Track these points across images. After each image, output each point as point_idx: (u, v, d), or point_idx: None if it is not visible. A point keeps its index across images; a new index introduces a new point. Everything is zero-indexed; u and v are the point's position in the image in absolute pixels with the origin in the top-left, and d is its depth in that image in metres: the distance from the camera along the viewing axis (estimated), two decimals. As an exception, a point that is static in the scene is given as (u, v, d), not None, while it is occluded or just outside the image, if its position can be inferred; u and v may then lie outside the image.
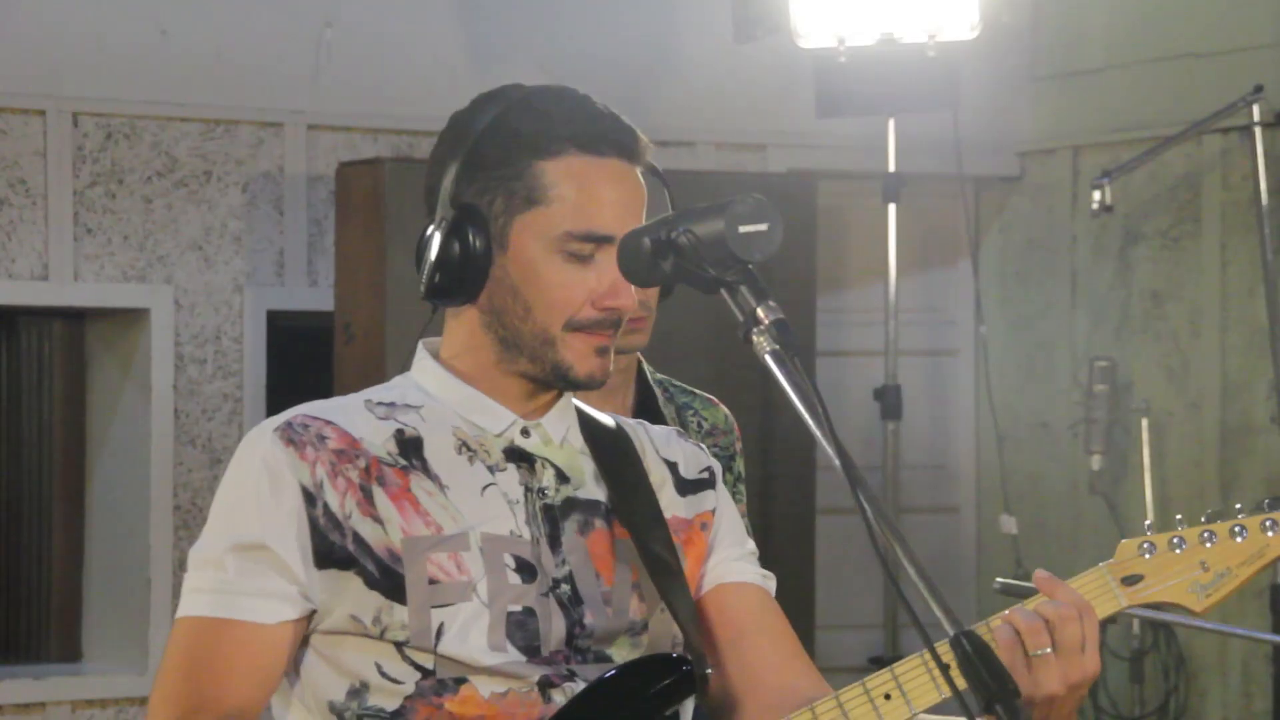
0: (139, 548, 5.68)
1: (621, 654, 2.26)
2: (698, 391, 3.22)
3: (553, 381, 2.26)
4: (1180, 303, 6.39)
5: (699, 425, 3.17)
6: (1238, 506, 2.32)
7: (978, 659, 1.96)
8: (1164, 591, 2.27)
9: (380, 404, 2.27)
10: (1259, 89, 5.72)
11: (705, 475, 2.39)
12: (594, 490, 2.29)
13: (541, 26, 6.11)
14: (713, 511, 2.37)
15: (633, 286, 2.24)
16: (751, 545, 2.41)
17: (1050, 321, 6.75)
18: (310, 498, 2.18)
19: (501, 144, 2.26)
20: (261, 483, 2.19)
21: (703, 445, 2.44)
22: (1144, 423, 6.33)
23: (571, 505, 2.27)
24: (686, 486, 2.37)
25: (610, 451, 2.33)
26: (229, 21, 5.76)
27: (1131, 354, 6.49)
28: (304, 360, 5.70)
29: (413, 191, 5.19)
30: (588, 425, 2.34)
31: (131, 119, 5.65)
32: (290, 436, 2.20)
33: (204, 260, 5.74)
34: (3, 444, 5.87)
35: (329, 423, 2.22)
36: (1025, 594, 3.35)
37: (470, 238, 2.25)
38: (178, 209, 5.71)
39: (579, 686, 2.21)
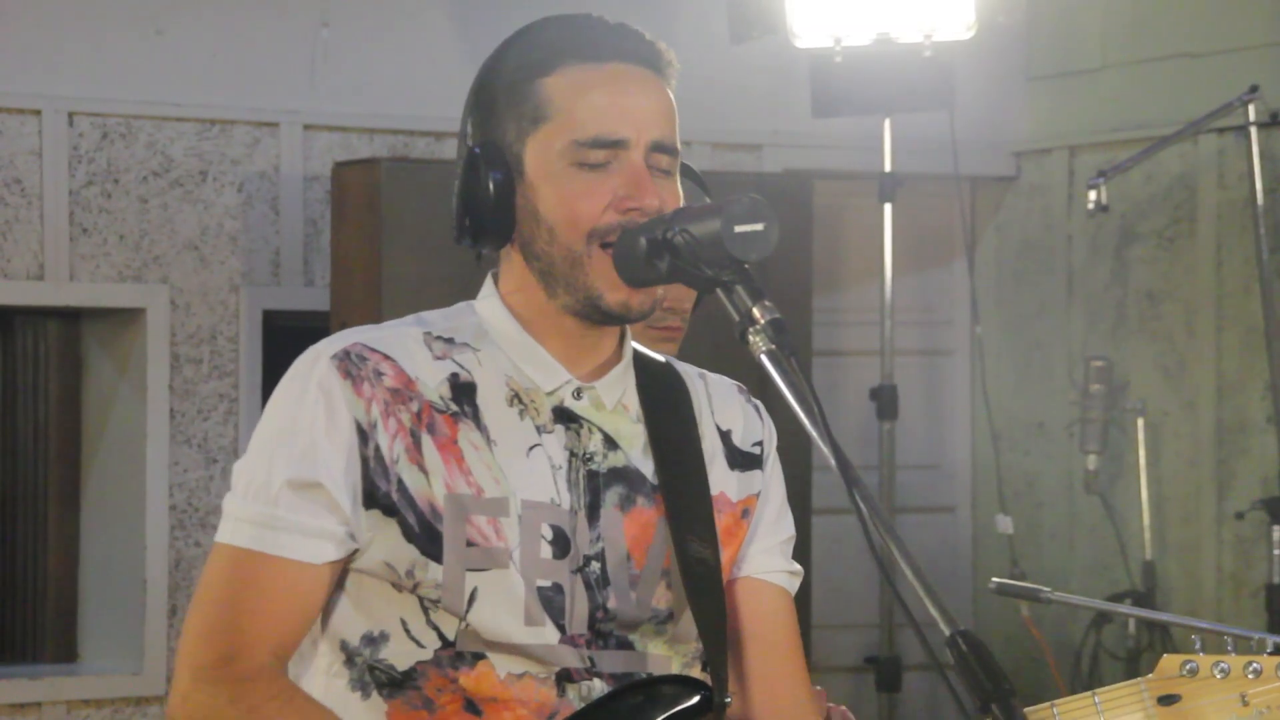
0: (135, 547, 5.68)
1: (645, 642, 2.24)
2: None
3: (589, 314, 2.20)
4: (1176, 302, 6.39)
5: None
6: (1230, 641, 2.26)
7: (974, 659, 1.95)
8: (1198, 719, 2.22)
9: (439, 338, 2.23)
10: (1254, 89, 5.72)
11: (756, 450, 2.35)
12: (642, 462, 2.26)
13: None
14: (758, 495, 2.34)
15: (661, 191, 2.19)
16: (789, 530, 2.38)
17: (1046, 321, 6.75)
18: (364, 436, 2.15)
19: (503, 75, 2.23)
20: (318, 412, 2.16)
21: (761, 406, 2.38)
22: (1140, 422, 6.33)
23: (616, 475, 2.24)
24: (737, 459, 2.33)
25: (665, 417, 2.28)
26: (225, 21, 5.75)
27: (1127, 354, 6.49)
28: (300, 360, 5.69)
29: (409, 191, 5.21)
30: (646, 384, 2.29)
31: (127, 119, 5.65)
32: (348, 369, 2.17)
33: (200, 260, 5.74)
34: (-2, 444, 5.88)
35: (386, 357, 2.19)
36: (1021, 594, 3.36)
37: (487, 171, 2.20)
38: (173, 209, 5.71)
39: (596, 686, 2.20)
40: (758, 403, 2.39)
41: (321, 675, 2.22)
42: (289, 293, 5.82)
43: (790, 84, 6.12)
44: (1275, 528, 5.69)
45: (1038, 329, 6.77)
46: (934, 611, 1.98)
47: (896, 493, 6.13)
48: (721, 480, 2.31)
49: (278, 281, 5.82)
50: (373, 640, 2.19)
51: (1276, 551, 5.67)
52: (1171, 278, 6.40)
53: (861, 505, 2.00)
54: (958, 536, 6.96)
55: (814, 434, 2.04)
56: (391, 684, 2.18)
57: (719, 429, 2.33)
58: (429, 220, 4.84)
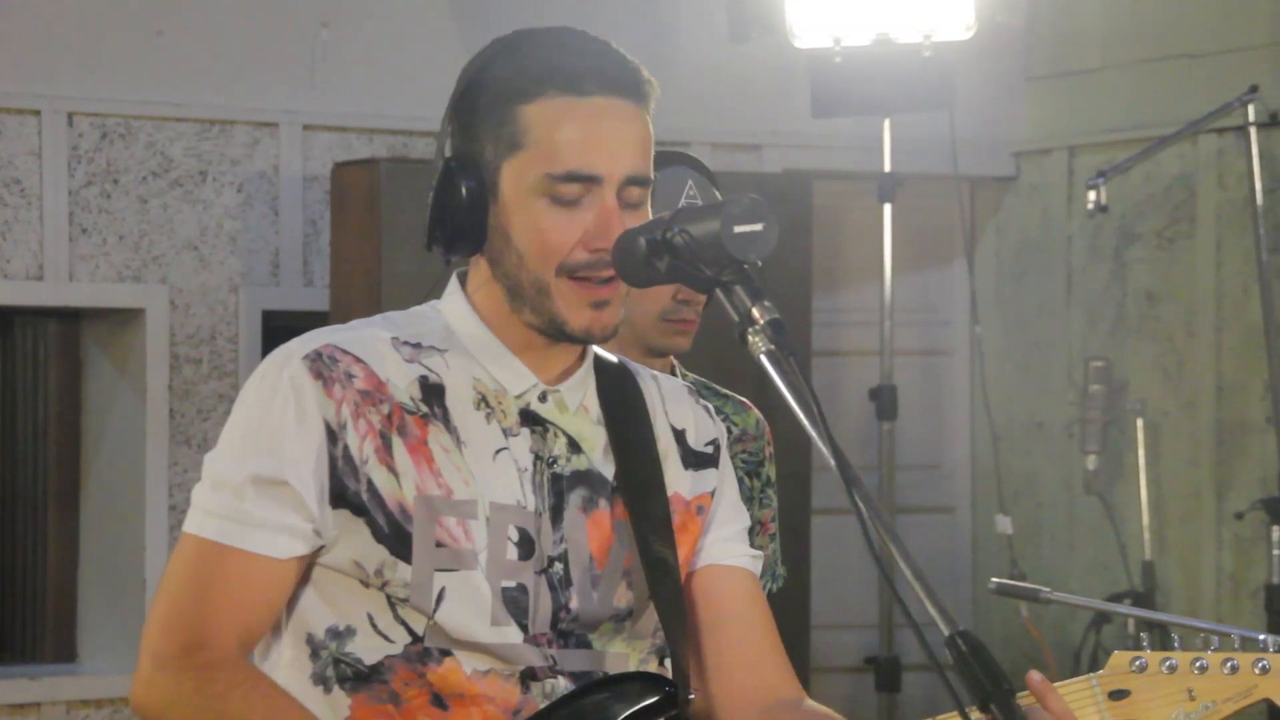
0: (134, 548, 5.68)
1: (603, 641, 2.27)
2: (730, 394, 3.19)
3: (554, 335, 2.24)
4: (1175, 303, 6.39)
5: (728, 430, 3.16)
6: (1234, 640, 2.30)
7: (973, 659, 1.95)
8: (1147, 712, 2.26)
9: (406, 343, 2.25)
10: (1254, 89, 5.72)
11: (710, 449, 2.38)
12: (603, 464, 2.29)
13: (536, 26, 6.10)
14: (712, 493, 2.36)
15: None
16: (746, 520, 2.40)
17: (1045, 321, 6.75)
18: (333, 436, 2.18)
19: (487, 91, 2.25)
20: (288, 411, 2.19)
21: (710, 406, 2.42)
22: (1139, 423, 6.33)
23: (579, 479, 2.27)
24: (690, 459, 2.36)
25: (624, 418, 2.31)
26: (224, 21, 5.75)
27: (1127, 354, 6.49)
28: (299, 360, 5.69)
29: (408, 191, 5.21)
30: (605, 386, 2.33)
31: (127, 119, 5.65)
32: (319, 370, 2.20)
33: (199, 260, 5.74)
34: (-2, 444, 5.88)
35: (358, 359, 2.21)
36: (1020, 594, 3.36)
37: (462, 185, 2.23)
38: (173, 209, 5.71)
39: (559, 684, 2.22)
40: (706, 403, 2.42)
41: (284, 668, 2.24)
42: (288, 293, 5.83)
43: (790, 84, 6.12)
44: (1275, 528, 5.69)
45: (1037, 329, 6.77)
46: (933, 612, 1.98)
47: (896, 493, 6.13)
48: (675, 479, 2.34)
49: (277, 282, 5.82)
50: (338, 634, 2.21)
51: (1276, 551, 5.67)
52: (1171, 278, 6.40)
53: (861, 506, 2.01)
54: (957, 537, 6.96)
55: (813, 434, 2.04)
56: (357, 678, 2.20)
57: (673, 428, 2.36)
58: (428, 220, 4.83)
